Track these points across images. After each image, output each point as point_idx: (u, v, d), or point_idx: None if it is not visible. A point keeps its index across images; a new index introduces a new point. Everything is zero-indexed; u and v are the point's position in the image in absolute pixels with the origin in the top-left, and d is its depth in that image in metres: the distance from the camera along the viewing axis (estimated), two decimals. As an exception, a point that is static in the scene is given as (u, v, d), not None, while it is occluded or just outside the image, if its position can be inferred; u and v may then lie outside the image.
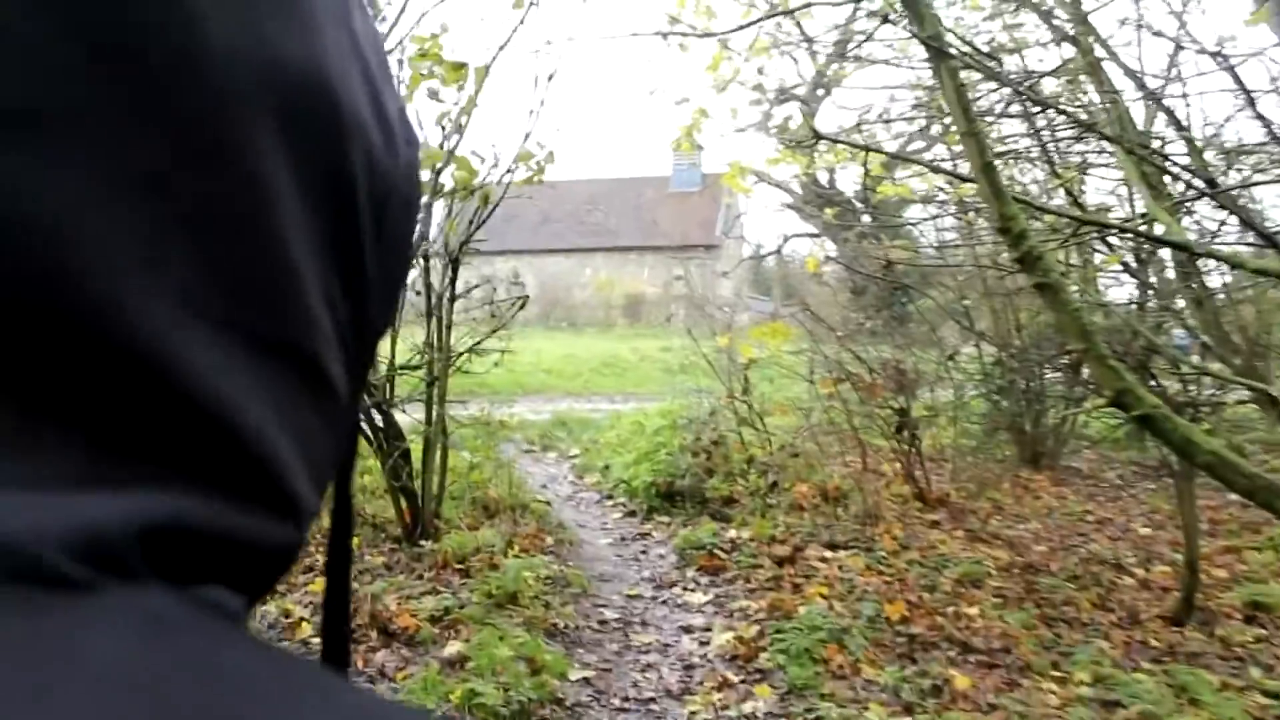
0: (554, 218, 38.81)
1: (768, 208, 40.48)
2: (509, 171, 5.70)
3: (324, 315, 0.31)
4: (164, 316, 0.25)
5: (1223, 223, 5.11)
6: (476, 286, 6.74)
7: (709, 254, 33.23)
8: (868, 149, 4.20)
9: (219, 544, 0.27)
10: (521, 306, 6.25)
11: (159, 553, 0.24)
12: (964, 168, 4.19)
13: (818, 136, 3.62)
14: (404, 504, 5.73)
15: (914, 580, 5.56)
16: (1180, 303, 6.36)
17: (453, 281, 6.03)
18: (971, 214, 8.75)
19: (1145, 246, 5.81)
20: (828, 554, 5.96)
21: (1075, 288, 6.07)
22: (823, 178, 32.73)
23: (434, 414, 5.95)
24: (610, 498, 7.54)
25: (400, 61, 5.16)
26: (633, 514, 7.11)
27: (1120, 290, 9.28)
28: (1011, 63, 6.23)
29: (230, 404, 0.27)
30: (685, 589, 5.50)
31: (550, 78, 5.74)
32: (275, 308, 0.29)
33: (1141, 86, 4.93)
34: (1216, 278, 6.32)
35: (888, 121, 7.77)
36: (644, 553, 6.26)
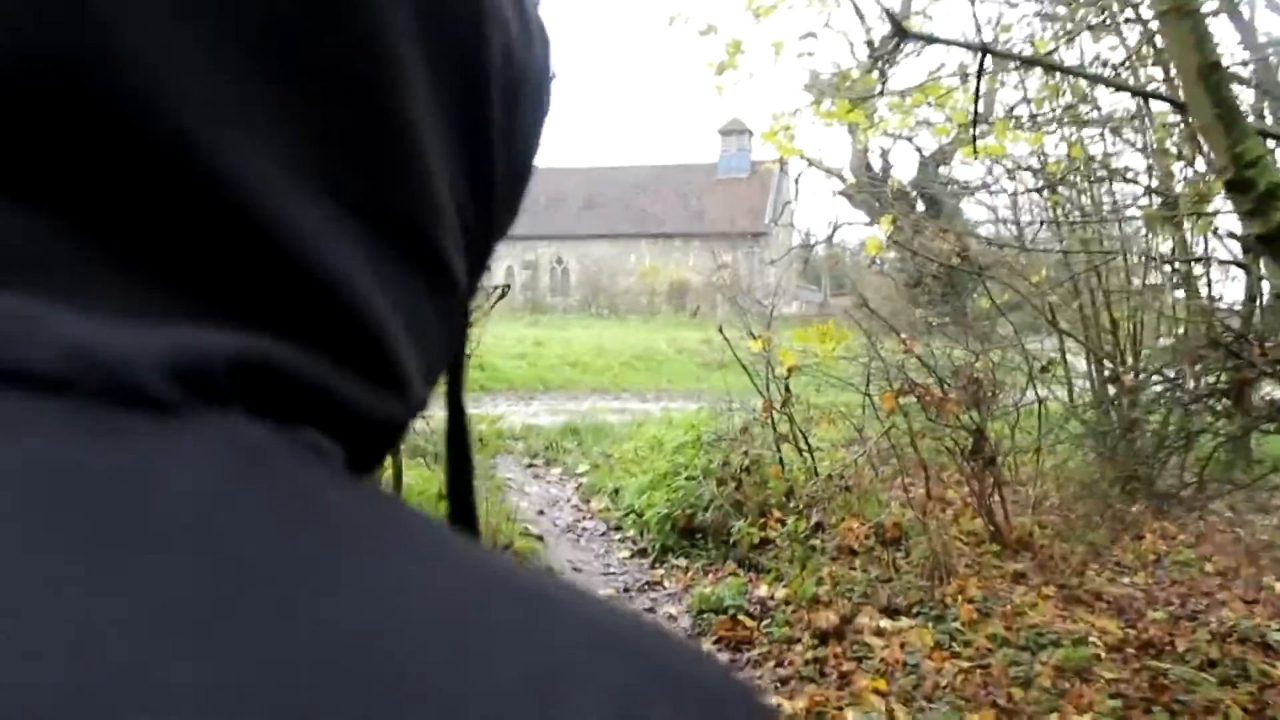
0: (599, 203, 38.12)
1: (818, 194, 38.81)
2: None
3: (448, 203, 0.30)
4: (259, 164, 0.24)
5: None
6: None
7: (757, 242, 32.09)
8: (988, 51, 2.77)
9: (317, 397, 0.25)
10: (502, 296, 4.85)
11: (253, 390, 0.23)
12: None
13: (901, 35, 2.19)
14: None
15: (1001, 669, 4.12)
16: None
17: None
18: (1069, 189, 7.23)
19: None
20: (885, 623, 4.53)
21: None
22: (875, 162, 31.18)
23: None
24: (619, 529, 6.13)
25: None
26: (643, 553, 5.71)
27: None
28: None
29: (334, 267, 0.26)
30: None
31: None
32: (395, 184, 0.28)
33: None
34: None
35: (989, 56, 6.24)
36: (651, 610, 4.86)
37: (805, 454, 6.28)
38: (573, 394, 12.40)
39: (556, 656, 0.19)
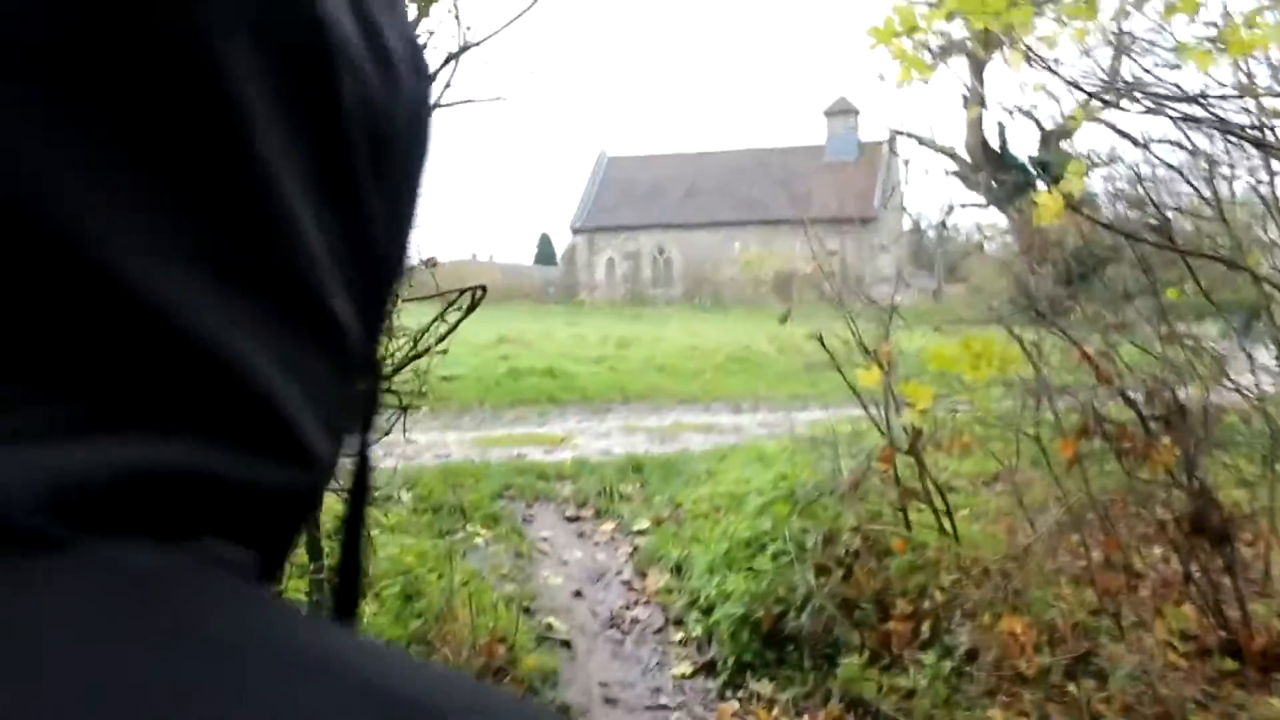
0: (702, 190, 36.46)
1: (929, 175, 36.45)
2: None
3: (322, 251, 0.28)
4: (132, 245, 0.23)
5: None
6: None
7: (866, 227, 29.91)
8: None
9: (219, 491, 0.24)
10: (474, 301, 3.05)
11: (150, 505, 0.22)
12: None
13: None
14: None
15: None
16: None
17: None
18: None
19: None
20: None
21: None
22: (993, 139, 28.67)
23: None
24: (679, 625, 4.31)
25: None
26: (710, 668, 3.89)
27: None
28: None
29: (215, 336, 0.25)
30: None
31: None
32: (261, 239, 0.26)
33: None
34: None
35: None
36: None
37: (941, 513, 4.38)
38: (656, 405, 10.56)
39: None
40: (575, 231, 37.17)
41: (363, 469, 0.35)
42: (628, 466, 6.55)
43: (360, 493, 0.35)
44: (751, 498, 4.84)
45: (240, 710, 0.19)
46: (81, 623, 0.18)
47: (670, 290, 34.83)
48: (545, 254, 50.92)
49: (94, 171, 0.22)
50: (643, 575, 4.83)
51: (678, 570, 4.68)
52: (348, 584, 0.35)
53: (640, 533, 5.25)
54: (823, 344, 4.82)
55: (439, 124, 0.35)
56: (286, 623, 0.23)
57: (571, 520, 5.58)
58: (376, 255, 0.32)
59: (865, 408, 4.69)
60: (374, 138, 0.30)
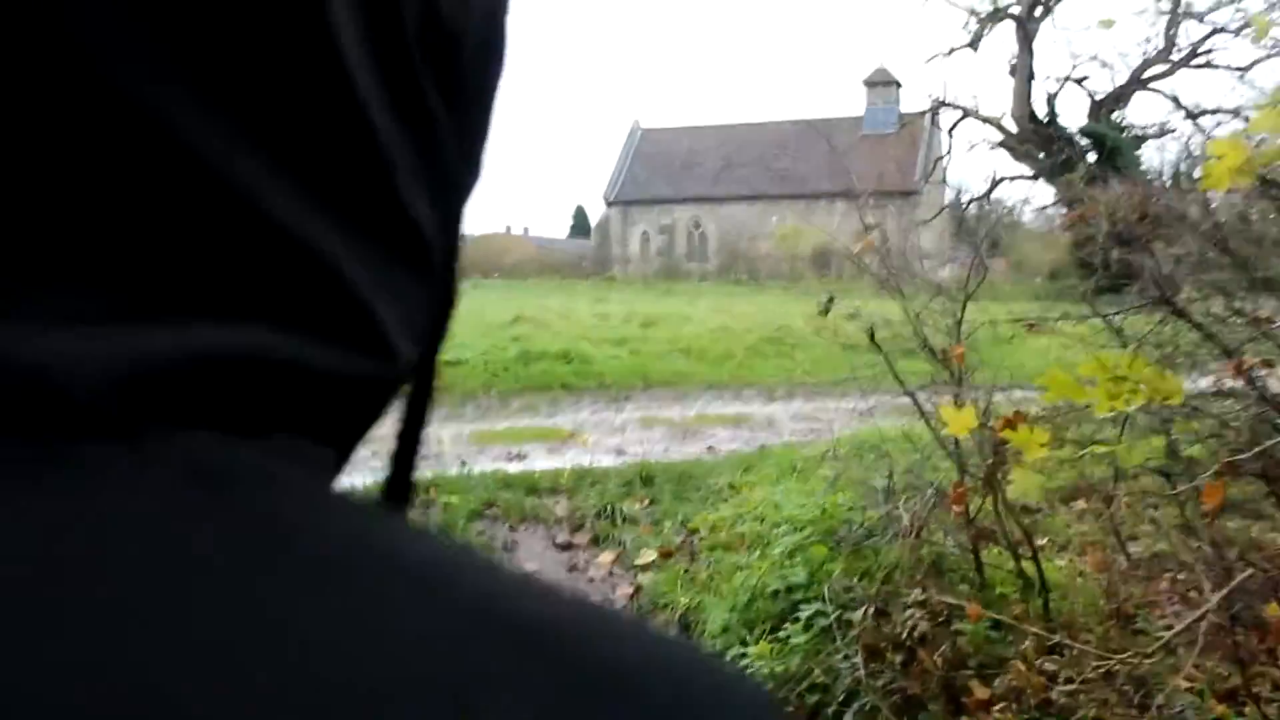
0: (737, 163, 35.30)
1: (973, 147, 34.98)
2: None
3: (402, 158, 0.27)
4: (212, 127, 0.21)
5: None
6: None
7: (907, 201, 28.65)
8: None
9: (300, 379, 0.23)
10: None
11: (228, 393, 0.21)
12: None
13: None
14: None
15: None
16: None
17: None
18: None
19: None
20: None
21: None
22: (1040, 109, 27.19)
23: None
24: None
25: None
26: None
27: None
28: None
29: (297, 222, 0.23)
30: None
31: None
32: (344, 137, 0.25)
33: None
34: None
35: None
36: None
37: (1025, 557, 3.35)
38: (681, 392, 9.48)
39: (477, 667, 0.18)
40: (609, 204, 36.14)
41: (430, 361, 0.31)
42: (635, 478, 5.47)
43: (427, 384, 0.32)
44: (781, 531, 3.80)
45: (345, 636, 0.17)
46: (153, 526, 0.17)
47: (705, 265, 33.78)
48: (580, 227, 49.95)
49: (172, 46, 0.20)
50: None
51: (686, 624, 3.66)
52: (402, 472, 0.32)
53: (644, 567, 4.23)
54: (873, 340, 3.78)
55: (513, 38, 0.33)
56: (388, 531, 0.21)
57: (563, 548, 4.55)
58: (448, 171, 0.29)
59: (926, 420, 3.64)
60: (437, 47, 0.28)
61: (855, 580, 3.26)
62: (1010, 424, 2.92)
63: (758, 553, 3.78)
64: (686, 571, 4.06)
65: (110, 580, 0.16)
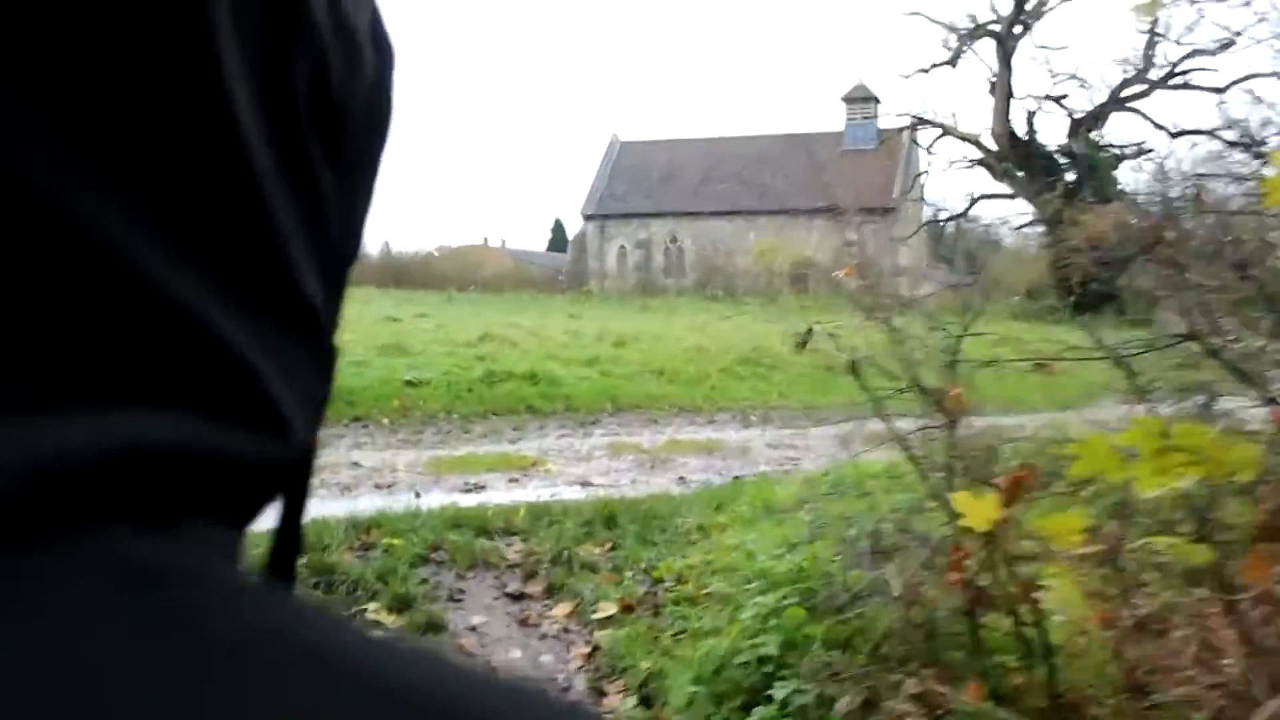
0: (716, 177, 34.94)
1: (952, 165, 34.78)
2: None
3: (291, 229, 0.27)
4: (108, 209, 0.21)
5: None
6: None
7: (885, 218, 28.38)
8: None
9: (211, 468, 0.23)
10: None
11: (142, 486, 0.20)
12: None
13: None
14: None
15: None
16: None
17: None
18: None
19: None
20: None
21: None
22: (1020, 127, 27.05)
23: None
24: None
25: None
26: None
27: None
28: None
29: (196, 307, 0.23)
30: None
31: None
32: (237, 212, 0.24)
33: None
34: None
35: None
36: None
37: (1031, 633, 2.93)
38: (651, 416, 9.04)
39: None
40: (586, 218, 35.71)
41: (309, 448, 0.30)
42: (597, 518, 5.01)
43: (306, 470, 0.31)
44: (755, 589, 3.37)
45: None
46: (69, 628, 0.17)
47: (682, 280, 33.37)
48: (559, 240, 49.55)
49: (68, 129, 0.20)
50: (599, 694, 3.37)
51: (646, 696, 3.21)
52: (287, 549, 0.31)
53: (604, 622, 3.78)
54: (855, 374, 3.36)
55: (401, 106, 0.33)
56: (295, 618, 0.21)
57: (515, 599, 4.08)
58: (331, 238, 0.29)
59: (916, 464, 3.22)
60: (330, 118, 0.28)
61: (838, 653, 2.84)
62: (1015, 485, 2.54)
63: (727, 615, 3.34)
64: (650, 628, 3.62)
65: (23, 680, 0.15)
